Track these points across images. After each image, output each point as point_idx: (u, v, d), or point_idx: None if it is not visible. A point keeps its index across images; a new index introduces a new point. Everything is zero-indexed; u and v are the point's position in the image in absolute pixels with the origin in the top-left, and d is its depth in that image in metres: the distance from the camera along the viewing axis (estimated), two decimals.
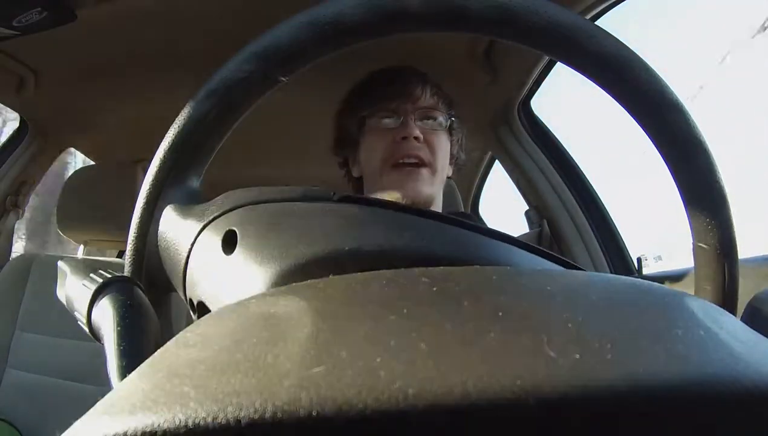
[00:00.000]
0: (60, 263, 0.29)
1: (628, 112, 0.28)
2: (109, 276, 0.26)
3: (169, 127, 0.28)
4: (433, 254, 0.23)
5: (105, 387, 0.17)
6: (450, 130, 0.72)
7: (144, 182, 0.28)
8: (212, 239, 0.25)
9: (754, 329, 0.17)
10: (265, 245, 0.23)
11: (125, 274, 0.28)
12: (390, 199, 0.70)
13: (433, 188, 0.68)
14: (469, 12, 0.25)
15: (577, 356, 0.13)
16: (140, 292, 0.26)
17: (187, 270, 0.26)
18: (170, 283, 0.28)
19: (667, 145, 0.27)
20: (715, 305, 0.18)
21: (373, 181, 0.71)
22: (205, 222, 0.26)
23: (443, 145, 0.70)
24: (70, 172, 1.26)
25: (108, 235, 1.14)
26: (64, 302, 0.28)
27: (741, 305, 0.29)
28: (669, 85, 0.27)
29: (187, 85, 0.30)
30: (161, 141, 0.28)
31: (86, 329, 0.25)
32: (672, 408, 0.13)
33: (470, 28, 0.26)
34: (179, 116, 0.27)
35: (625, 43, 0.26)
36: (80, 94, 1.17)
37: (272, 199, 0.26)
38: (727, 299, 0.28)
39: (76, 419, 0.13)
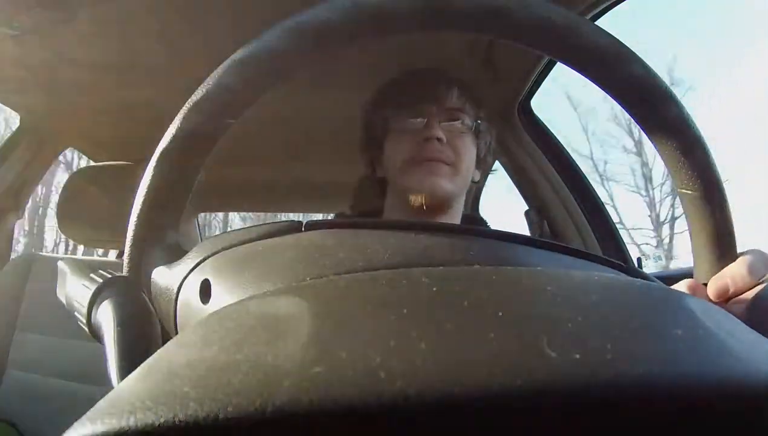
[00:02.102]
0: (60, 263, 0.29)
1: (586, 75, 0.27)
2: (109, 276, 0.26)
3: (168, 128, 0.28)
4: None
5: (105, 387, 0.17)
6: (476, 133, 0.71)
7: (125, 245, 0.29)
8: (190, 291, 0.26)
9: (755, 328, 0.17)
10: (236, 290, 0.24)
11: (125, 274, 0.28)
12: (387, 209, 0.70)
13: (454, 187, 0.67)
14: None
15: (577, 356, 0.13)
16: (140, 292, 0.26)
17: (177, 325, 0.27)
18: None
19: (631, 97, 0.27)
20: (715, 306, 0.18)
21: (394, 180, 0.71)
22: (183, 276, 0.26)
23: (468, 148, 0.69)
24: None
25: (108, 235, 1.14)
26: (64, 302, 0.28)
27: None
28: (620, 40, 0.26)
29: (186, 85, 0.30)
30: (160, 141, 0.28)
31: (86, 329, 0.25)
32: (672, 408, 0.13)
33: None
34: (143, 181, 0.28)
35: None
36: (80, 95, 1.17)
37: (241, 241, 0.26)
38: (722, 241, 0.28)
39: (77, 419, 0.13)
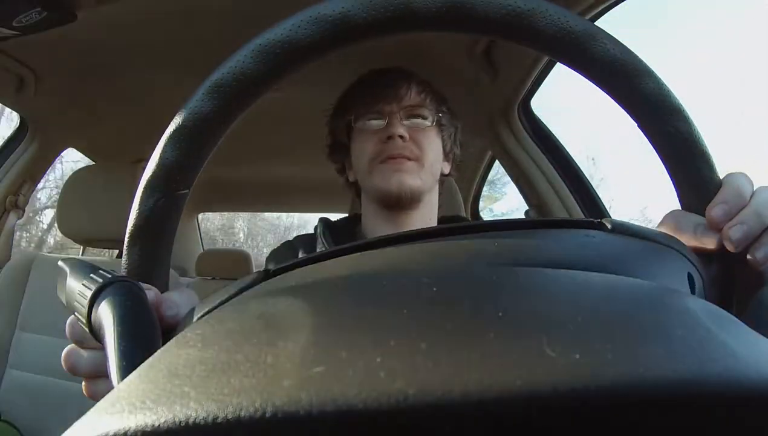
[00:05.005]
0: (60, 263, 0.29)
1: (512, 39, 0.26)
2: (110, 276, 0.26)
3: (168, 127, 0.28)
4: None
5: None
6: (439, 127, 0.72)
7: (125, 245, 0.29)
8: None
9: (755, 328, 0.17)
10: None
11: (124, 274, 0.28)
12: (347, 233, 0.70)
13: (421, 181, 0.68)
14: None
15: (577, 356, 0.13)
16: (140, 292, 0.26)
17: None
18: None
19: (560, 46, 0.25)
20: (715, 306, 0.18)
21: (363, 181, 0.72)
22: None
23: (431, 142, 0.70)
24: None
25: (108, 235, 1.14)
26: (64, 302, 0.28)
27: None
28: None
29: (186, 85, 0.30)
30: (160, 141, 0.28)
31: (86, 329, 0.25)
32: (672, 408, 0.13)
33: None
34: (134, 203, 0.28)
35: None
36: (80, 95, 1.18)
37: (216, 304, 0.25)
38: (701, 164, 0.27)
39: (77, 418, 0.13)
